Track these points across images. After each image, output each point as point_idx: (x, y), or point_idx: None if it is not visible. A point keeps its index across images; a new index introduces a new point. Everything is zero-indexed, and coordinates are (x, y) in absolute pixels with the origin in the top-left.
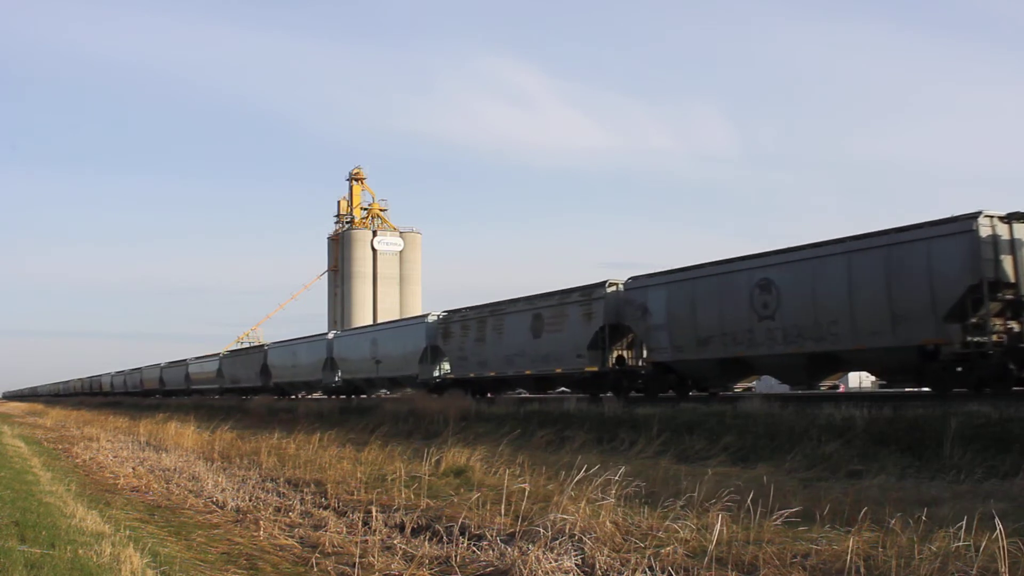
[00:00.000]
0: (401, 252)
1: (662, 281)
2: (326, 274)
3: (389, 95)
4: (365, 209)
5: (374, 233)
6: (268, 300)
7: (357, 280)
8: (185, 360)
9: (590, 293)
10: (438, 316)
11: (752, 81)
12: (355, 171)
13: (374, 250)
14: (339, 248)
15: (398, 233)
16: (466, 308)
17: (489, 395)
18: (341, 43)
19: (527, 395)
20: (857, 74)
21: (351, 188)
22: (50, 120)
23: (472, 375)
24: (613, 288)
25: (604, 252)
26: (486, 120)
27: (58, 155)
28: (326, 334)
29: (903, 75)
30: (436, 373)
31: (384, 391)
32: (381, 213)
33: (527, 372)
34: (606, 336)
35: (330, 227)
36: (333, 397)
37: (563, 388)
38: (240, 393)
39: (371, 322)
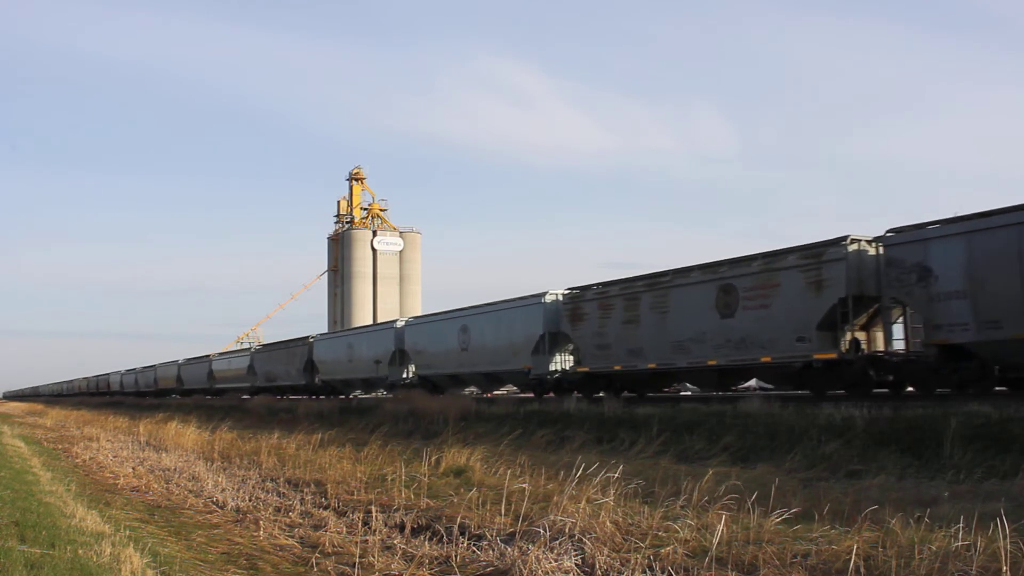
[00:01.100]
0: (401, 252)
1: (958, 231)
2: (326, 274)
3: (389, 95)
4: (365, 209)
5: (374, 233)
6: (268, 300)
7: (357, 280)
8: (208, 356)
9: (820, 253)
10: (563, 294)
11: (752, 81)
12: (355, 171)
13: (374, 250)
14: (339, 248)
15: (398, 233)
16: (603, 283)
17: (641, 394)
18: (341, 43)
19: (699, 393)
20: (857, 74)
21: (351, 188)
22: (50, 120)
23: (618, 367)
24: (856, 245)
25: (604, 252)
26: (486, 120)
27: (58, 155)
28: (393, 322)
29: (903, 75)
30: (554, 366)
31: (473, 389)
32: (381, 213)
33: (709, 362)
34: (849, 311)
35: (330, 227)
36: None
37: (756, 383)
38: (277, 392)
39: (371, 322)
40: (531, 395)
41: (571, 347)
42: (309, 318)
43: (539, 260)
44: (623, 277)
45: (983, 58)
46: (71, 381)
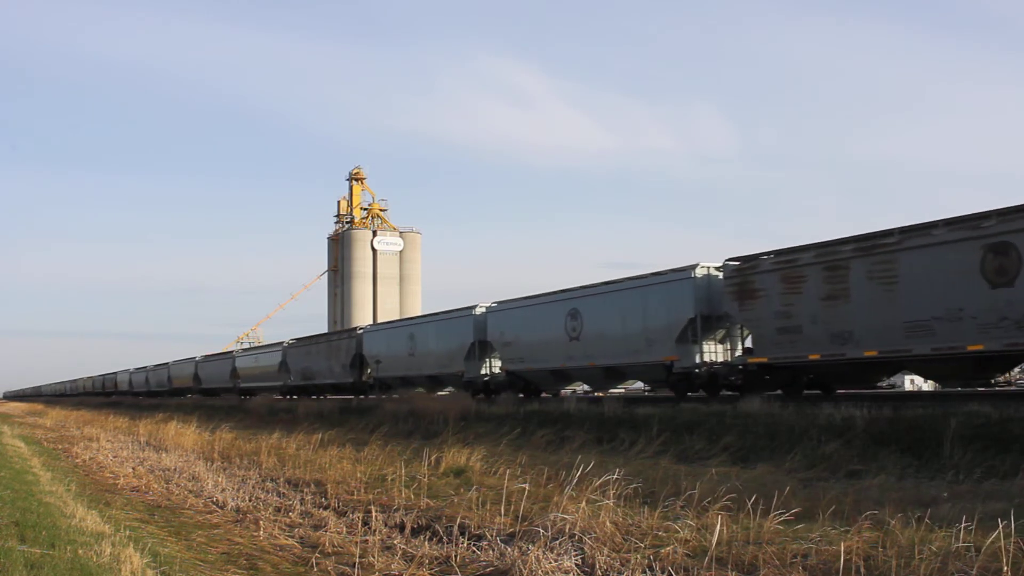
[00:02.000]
0: (401, 252)
1: None
2: (326, 274)
3: (389, 95)
4: (365, 209)
5: (374, 233)
6: (268, 300)
7: (357, 280)
8: (230, 353)
9: None
10: (723, 266)
11: (752, 81)
12: (355, 171)
13: (374, 250)
14: (339, 248)
15: (398, 233)
16: (784, 250)
17: (832, 390)
18: (341, 43)
19: (934, 389)
20: (857, 74)
21: (351, 188)
22: (50, 120)
23: (815, 356)
24: None
25: (604, 252)
26: (486, 120)
27: (58, 155)
28: (471, 308)
29: (903, 75)
30: (709, 355)
31: (581, 387)
32: (381, 213)
33: (970, 348)
34: None
35: (330, 227)
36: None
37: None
38: (315, 392)
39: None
40: (671, 394)
41: (735, 331)
42: (309, 318)
43: (539, 260)
44: (818, 241)
45: (983, 58)
46: (75, 380)
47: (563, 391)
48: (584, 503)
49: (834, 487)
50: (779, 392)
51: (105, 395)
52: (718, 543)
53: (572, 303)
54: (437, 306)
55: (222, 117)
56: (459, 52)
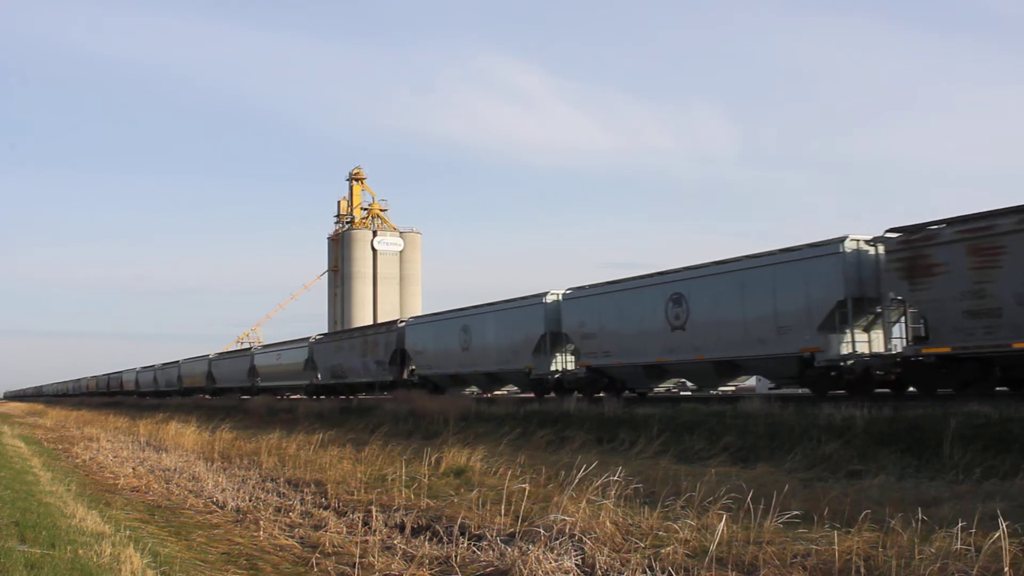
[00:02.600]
0: (401, 252)
1: None
2: (326, 274)
3: (389, 95)
4: (365, 209)
5: (374, 233)
6: (268, 300)
7: (357, 280)
8: (249, 350)
9: None
10: (884, 239)
11: (752, 81)
12: (355, 171)
13: (374, 250)
14: (339, 248)
15: (398, 233)
16: (971, 215)
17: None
18: (341, 43)
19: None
20: (857, 74)
21: (351, 188)
22: (50, 120)
23: (1022, 345)
24: None
25: (604, 252)
26: (486, 120)
27: (58, 155)
28: (542, 296)
29: (903, 75)
30: (859, 346)
31: (676, 385)
32: (381, 213)
33: None
34: None
35: (330, 227)
36: (385, 394)
37: None
38: (348, 392)
39: (371, 322)
40: (804, 391)
41: (890, 315)
42: (309, 318)
43: (539, 260)
44: (1018, 204)
45: (983, 58)
46: (78, 380)
47: (656, 388)
48: (584, 503)
49: (834, 487)
50: (956, 389)
51: (110, 395)
52: (718, 543)
53: (675, 287)
54: (437, 306)
55: (222, 117)
56: (459, 52)
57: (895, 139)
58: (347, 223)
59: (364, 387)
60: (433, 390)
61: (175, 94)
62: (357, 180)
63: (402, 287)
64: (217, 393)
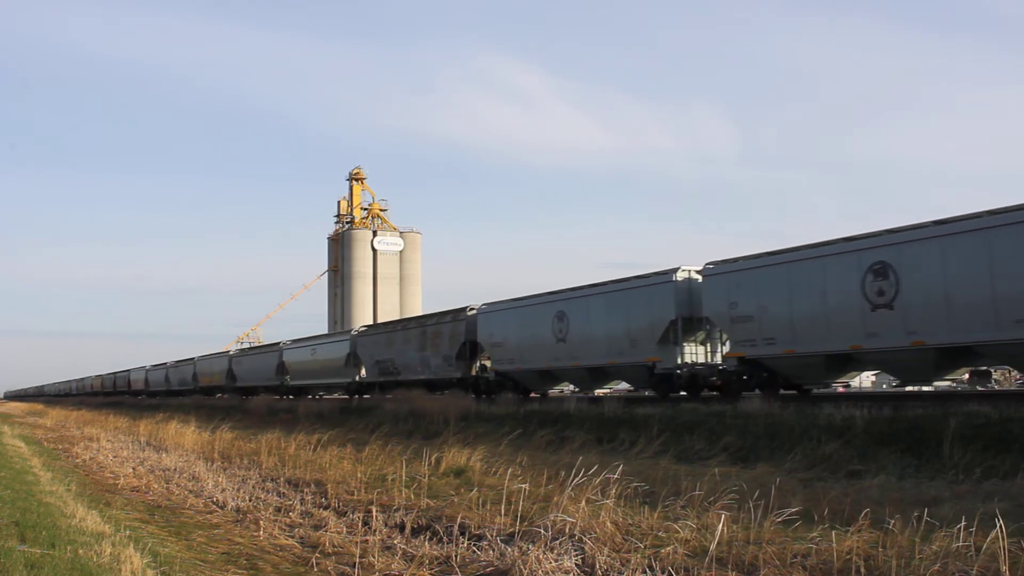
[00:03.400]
0: (401, 252)
1: None
2: (326, 274)
3: (389, 95)
4: (365, 209)
5: (374, 233)
6: (268, 300)
7: (357, 280)
8: (276, 344)
9: None
10: None
11: (752, 81)
12: (355, 171)
13: (374, 250)
14: (339, 248)
15: (398, 233)
16: None
17: None
18: (341, 43)
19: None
20: (858, 74)
21: (351, 188)
22: (50, 120)
23: None
24: None
25: (605, 252)
26: (487, 120)
27: (58, 155)
28: (671, 273)
29: (903, 75)
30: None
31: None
32: (381, 213)
33: None
34: None
35: (330, 227)
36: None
37: None
38: (405, 388)
39: (372, 322)
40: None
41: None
42: (309, 318)
43: (539, 260)
44: None
45: (983, 58)
46: (82, 379)
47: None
48: (584, 503)
49: (834, 487)
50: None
51: (117, 394)
52: (718, 543)
53: (875, 253)
54: (437, 306)
55: (222, 117)
56: (459, 52)
57: (895, 139)
58: (347, 223)
59: (422, 385)
60: (514, 389)
61: (175, 94)
62: (357, 180)
63: (402, 287)
64: (239, 393)
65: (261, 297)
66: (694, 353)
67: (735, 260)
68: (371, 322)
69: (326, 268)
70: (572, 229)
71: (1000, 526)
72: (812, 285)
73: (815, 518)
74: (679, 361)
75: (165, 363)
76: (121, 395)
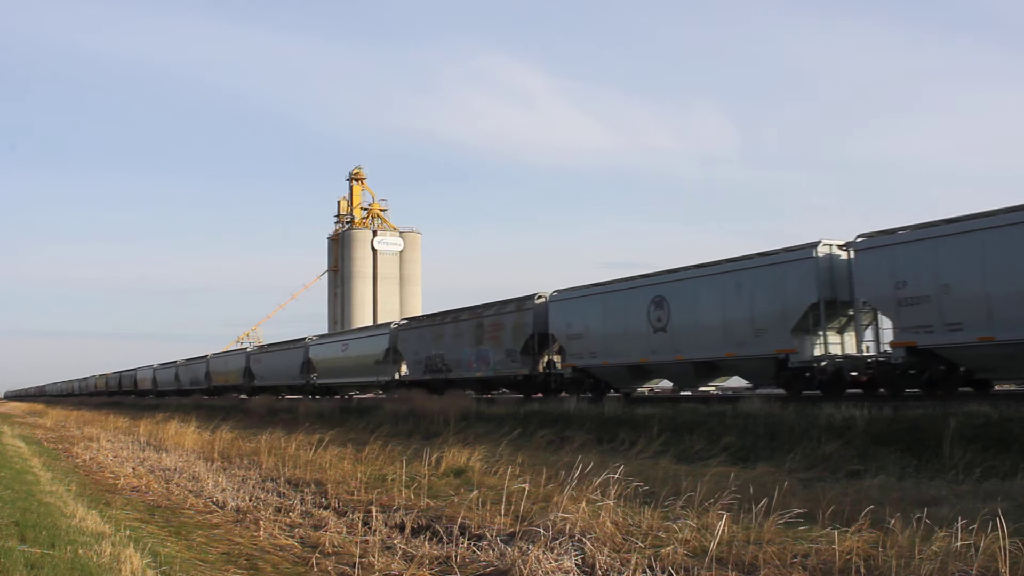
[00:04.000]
0: (401, 252)
1: None
2: (326, 274)
3: (390, 94)
4: (365, 209)
5: (374, 233)
6: (268, 300)
7: (357, 280)
8: (302, 340)
9: None
10: None
11: (752, 81)
12: (355, 171)
13: (374, 250)
14: (339, 248)
15: (398, 233)
16: None
17: None
18: (341, 42)
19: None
20: (858, 74)
21: (351, 188)
22: (50, 120)
23: None
24: None
25: (605, 252)
26: (487, 119)
27: (58, 155)
28: (811, 248)
29: (904, 75)
30: None
31: None
32: (381, 213)
33: None
34: None
35: (330, 227)
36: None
37: None
38: (457, 386)
39: (371, 323)
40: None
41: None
42: (309, 318)
43: (539, 260)
44: None
45: (983, 58)
46: (85, 379)
47: None
48: (584, 503)
49: (834, 487)
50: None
51: (123, 394)
52: (718, 543)
53: None
54: (438, 306)
55: (223, 117)
56: (460, 52)
57: (895, 139)
58: (347, 223)
59: (478, 384)
60: (593, 387)
61: (175, 94)
62: (357, 180)
63: (402, 287)
64: (257, 392)
65: (261, 297)
66: (839, 343)
67: (898, 231)
68: (371, 322)
69: (326, 268)
70: (572, 229)
71: (1000, 526)
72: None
73: (815, 518)
74: (819, 352)
75: (175, 361)
76: (127, 395)
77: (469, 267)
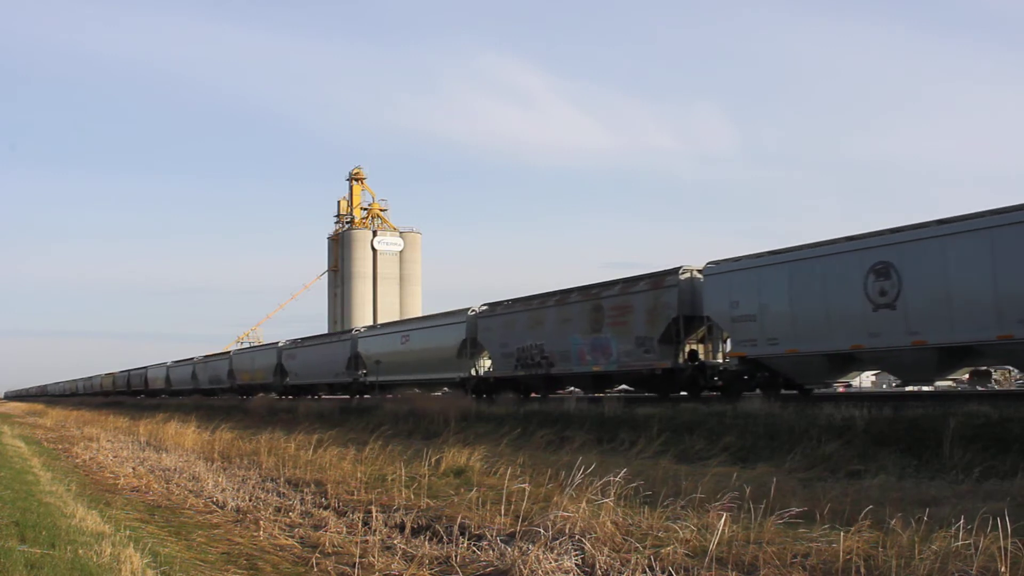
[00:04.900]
0: (401, 252)
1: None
2: (326, 274)
3: (390, 94)
4: (365, 209)
5: (374, 233)
6: (268, 300)
7: (357, 280)
8: (348, 332)
9: None
10: None
11: (752, 81)
12: (355, 171)
13: (374, 250)
14: (339, 248)
15: (398, 233)
16: None
17: None
18: (341, 42)
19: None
20: (858, 74)
21: (351, 188)
22: (50, 120)
23: None
24: None
25: (605, 252)
26: (487, 119)
27: (58, 155)
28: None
29: (903, 74)
30: None
31: None
32: (381, 213)
33: None
34: None
35: (330, 227)
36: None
37: None
38: (563, 384)
39: (370, 323)
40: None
41: None
42: (309, 318)
43: (539, 260)
44: None
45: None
46: (90, 378)
47: None
48: (584, 503)
49: (834, 487)
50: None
51: (131, 394)
52: (718, 543)
53: None
54: (437, 306)
55: (222, 117)
56: (460, 51)
57: (895, 139)
58: (347, 223)
59: (589, 381)
60: (769, 383)
61: (175, 94)
62: (357, 180)
63: (402, 287)
64: (291, 393)
65: (261, 297)
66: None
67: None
68: (371, 323)
69: (326, 268)
70: (572, 229)
71: (1000, 526)
72: None
73: (815, 518)
74: None
75: (191, 358)
76: (135, 395)
77: (469, 267)
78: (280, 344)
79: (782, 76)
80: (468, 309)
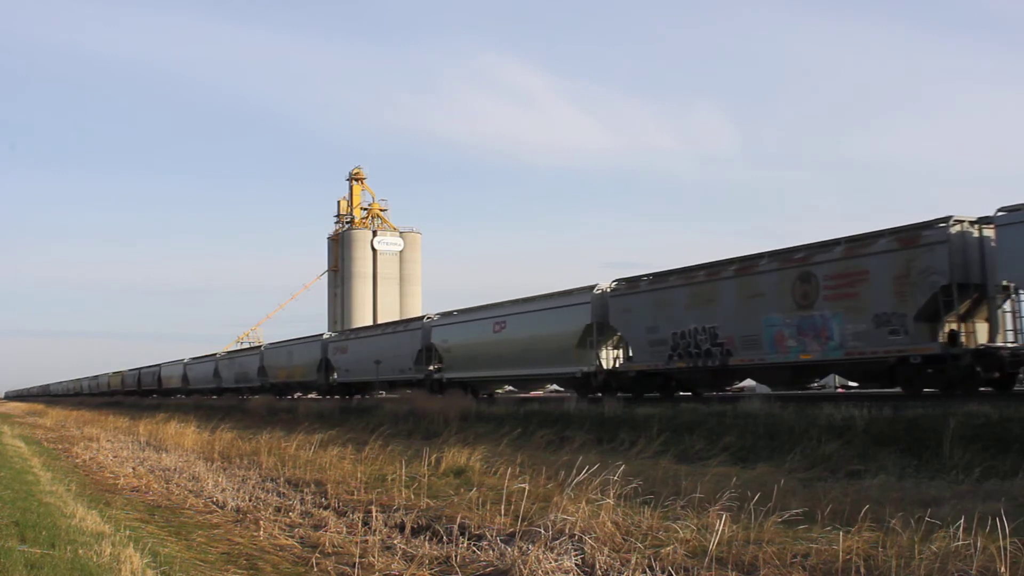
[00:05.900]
0: (401, 252)
1: None
2: (326, 274)
3: (390, 94)
4: (365, 209)
5: (374, 233)
6: (268, 300)
7: (357, 280)
8: (418, 320)
9: None
10: None
11: (753, 81)
12: (355, 171)
13: (374, 250)
14: (339, 248)
15: (398, 233)
16: None
17: None
18: (341, 42)
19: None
20: (858, 74)
21: (351, 188)
22: (50, 120)
23: None
24: None
25: (605, 252)
26: (487, 119)
27: (58, 155)
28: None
29: (904, 75)
30: None
31: None
32: (381, 213)
33: None
34: None
35: (330, 227)
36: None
37: None
38: (740, 376)
39: (370, 323)
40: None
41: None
42: (309, 318)
43: (539, 260)
44: None
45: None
46: (96, 377)
47: None
48: (584, 503)
49: (834, 487)
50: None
51: (142, 394)
52: (718, 543)
53: None
54: (437, 307)
55: (222, 117)
56: (460, 52)
57: (895, 139)
58: (347, 223)
59: (788, 373)
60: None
61: (175, 94)
62: (357, 180)
63: (402, 287)
64: (338, 392)
65: (261, 297)
66: None
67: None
68: (371, 323)
69: (326, 268)
70: (572, 229)
71: (1000, 526)
72: None
73: (815, 518)
74: None
75: (214, 355)
76: (147, 395)
77: (469, 267)
78: (325, 336)
79: (782, 76)
80: (593, 287)
